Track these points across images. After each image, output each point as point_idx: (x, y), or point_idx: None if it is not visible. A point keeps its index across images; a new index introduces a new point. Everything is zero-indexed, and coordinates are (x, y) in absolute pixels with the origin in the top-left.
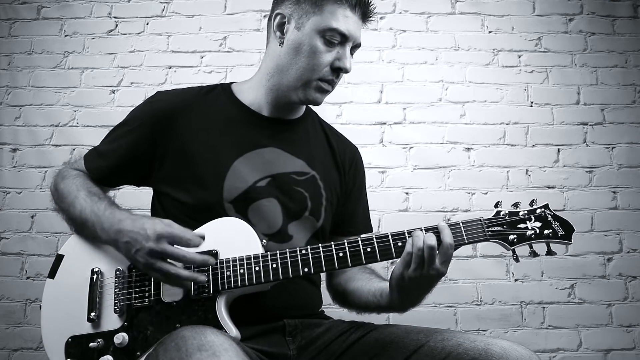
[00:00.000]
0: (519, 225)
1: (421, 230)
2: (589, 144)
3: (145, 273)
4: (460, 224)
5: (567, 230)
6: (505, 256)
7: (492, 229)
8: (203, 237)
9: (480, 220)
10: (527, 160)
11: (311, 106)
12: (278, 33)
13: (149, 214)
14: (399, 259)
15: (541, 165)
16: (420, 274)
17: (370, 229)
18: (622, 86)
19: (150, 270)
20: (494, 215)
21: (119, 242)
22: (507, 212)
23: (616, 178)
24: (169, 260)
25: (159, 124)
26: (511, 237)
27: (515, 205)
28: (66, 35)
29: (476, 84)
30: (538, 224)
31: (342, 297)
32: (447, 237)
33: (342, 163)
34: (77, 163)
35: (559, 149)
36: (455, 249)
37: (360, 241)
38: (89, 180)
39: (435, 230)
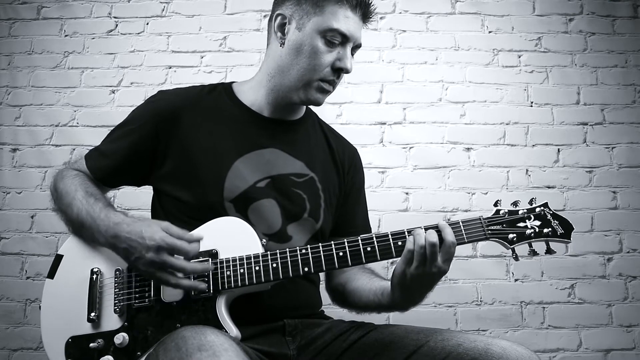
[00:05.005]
0: (519, 224)
1: (421, 228)
2: (589, 144)
3: None
4: (460, 223)
5: (567, 229)
6: (505, 256)
7: (492, 227)
8: (200, 239)
9: (479, 219)
10: (527, 160)
11: (312, 106)
12: (279, 34)
13: (149, 214)
14: (399, 258)
15: (541, 165)
16: (423, 272)
17: (369, 230)
18: (622, 86)
19: (151, 277)
20: (493, 214)
21: (117, 247)
22: (506, 210)
23: (616, 178)
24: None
25: (162, 123)
26: (511, 235)
27: (515, 204)
28: (66, 35)
29: (476, 84)
30: (537, 223)
31: (342, 297)
32: (449, 235)
33: (341, 164)
34: (78, 163)
35: (559, 149)
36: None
37: (360, 240)
38: (87, 181)
39: (437, 229)
